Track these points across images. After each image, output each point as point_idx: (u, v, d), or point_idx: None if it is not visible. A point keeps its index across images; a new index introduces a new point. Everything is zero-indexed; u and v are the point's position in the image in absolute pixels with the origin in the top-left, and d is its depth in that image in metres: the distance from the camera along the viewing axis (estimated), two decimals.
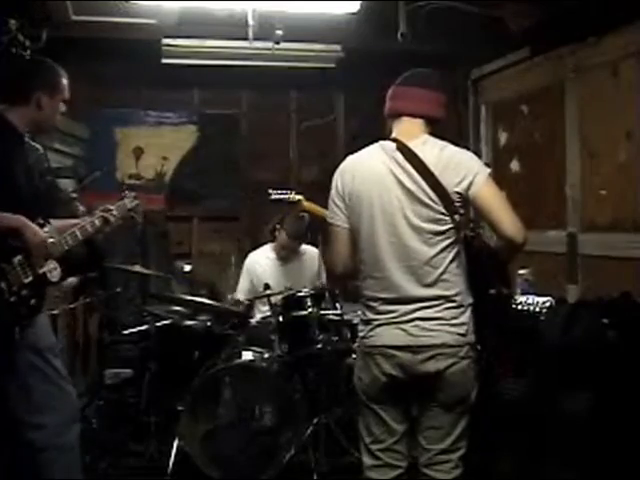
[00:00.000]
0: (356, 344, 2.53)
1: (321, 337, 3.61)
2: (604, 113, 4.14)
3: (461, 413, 2.38)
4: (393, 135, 2.45)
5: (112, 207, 2.93)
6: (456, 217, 2.33)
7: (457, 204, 2.32)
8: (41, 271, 2.59)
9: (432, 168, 2.31)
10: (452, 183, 2.31)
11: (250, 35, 4.17)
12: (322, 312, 3.68)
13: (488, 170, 2.36)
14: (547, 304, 3.40)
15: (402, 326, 2.33)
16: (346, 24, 4.63)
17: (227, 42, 4.89)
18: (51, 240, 2.62)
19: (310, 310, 3.67)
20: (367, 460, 2.46)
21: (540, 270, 4.16)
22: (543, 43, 4.55)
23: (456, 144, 2.41)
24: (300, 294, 3.76)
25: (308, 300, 3.71)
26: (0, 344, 2.52)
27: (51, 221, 2.72)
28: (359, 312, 2.52)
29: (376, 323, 2.38)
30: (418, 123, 2.44)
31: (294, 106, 5.81)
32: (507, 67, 5.09)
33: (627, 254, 3.88)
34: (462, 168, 2.32)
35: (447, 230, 2.33)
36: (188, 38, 4.91)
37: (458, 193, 2.31)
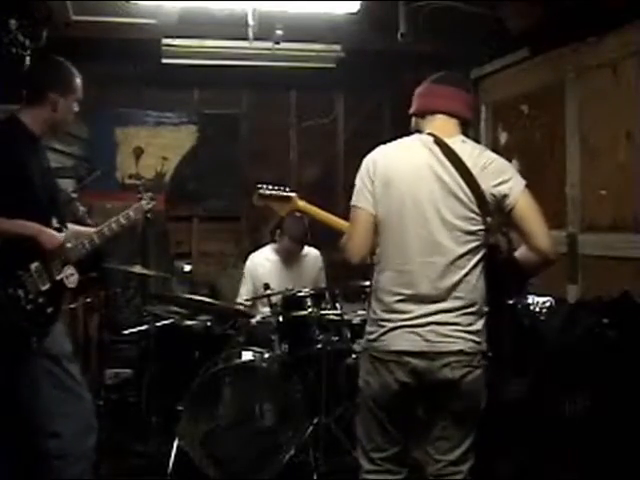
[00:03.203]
0: (361, 345, 2.43)
1: (321, 337, 3.61)
2: (604, 113, 4.13)
3: (472, 424, 2.34)
4: (428, 131, 2.40)
5: (130, 211, 2.90)
6: (488, 219, 2.29)
7: (490, 206, 2.28)
8: (58, 277, 2.58)
9: (470, 167, 2.27)
10: (489, 184, 2.27)
11: (250, 35, 4.16)
12: (322, 312, 3.68)
13: (524, 182, 2.34)
14: (547, 304, 3.40)
15: (417, 330, 2.25)
16: (346, 24, 4.63)
17: (227, 42, 4.89)
18: (68, 245, 2.62)
19: (310, 310, 3.67)
20: (366, 465, 2.39)
21: None
22: (543, 43, 4.55)
23: None
24: (300, 294, 3.76)
25: (308, 300, 3.71)
26: (17, 354, 2.50)
27: (68, 225, 2.72)
28: (364, 310, 2.45)
29: (390, 325, 2.28)
30: (453, 123, 2.41)
31: (294, 106, 5.81)
32: (507, 67, 5.09)
33: (627, 254, 3.88)
34: (500, 173, 2.29)
35: (477, 231, 2.28)
36: (188, 38, 4.91)
37: (493, 195, 2.27)
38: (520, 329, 3.37)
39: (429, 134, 2.37)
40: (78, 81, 2.73)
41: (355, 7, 4.28)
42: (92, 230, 2.83)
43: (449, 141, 2.33)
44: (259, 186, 2.98)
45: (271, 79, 5.37)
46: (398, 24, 4.32)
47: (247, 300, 4.32)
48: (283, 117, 5.80)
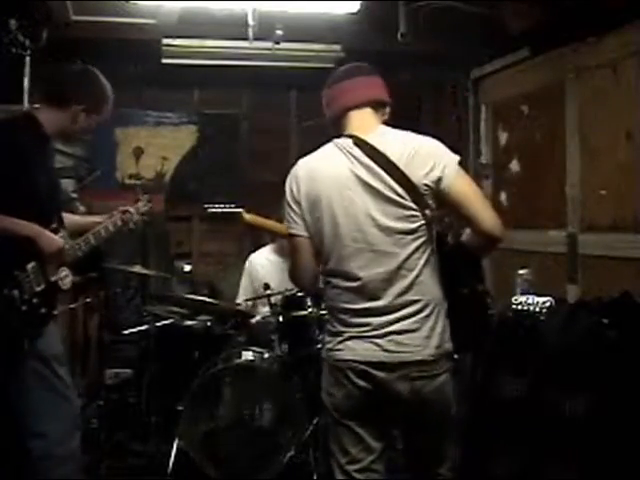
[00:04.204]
0: (322, 355, 2.36)
1: (321, 337, 3.60)
2: (604, 113, 4.13)
3: (444, 430, 2.28)
4: (346, 132, 2.29)
5: (128, 209, 2.93)
6: (427, 212, 2.16)
7: (427, 197, 2.15)
8: (53, 279, 2.57)
9: (396, 161, 2.14)
10: (420, 175, 2.13)
11: (250, 35, 4.16)
12: (322, 312, 3.67)
13: (457, 158, 2.20)
14: (547, 304, 3.39)
15: (376, 340, 2.16)
16: (346, 24, 4.63)
17: (227, 42, 4.88)
18: (65, 246, 2.62)
19: (310, 310, 3.67)
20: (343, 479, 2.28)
21: (540, 270, 4.16)
22: (543, 43, 4.55)
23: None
24: (300, 294, 3.76)
25: (308, 300, 3.71)
26: (8, 354, 2.50)
27: (65, 222, 2.72)
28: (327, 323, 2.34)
29: (347, 335, 2.21)
30: (368, 112, 2.30)
31: (294, 106, 5.81)
32: (507, 67, 5.09)
33: (627, 254, 3.88)
34: (429, 157, 2.15)
35: (419, 228, 2.16)
36: (188, 38, 4.90)
37: (427, 185, 2.14)
38: (520, 329, 3.37)
39: (347, 135, 2.27)
40: (108, 104, 2.73)
41: (355, 7, 4.28)
42: (96, 218, 2.85)
43: (369, 137, 2.21)
44: (207, 206, 2.93)
45: (271, 79, 5.37)
46: (398, 24, 4.32)
47: (247, 300, 4.32)
48: (283, 117, 5.80)
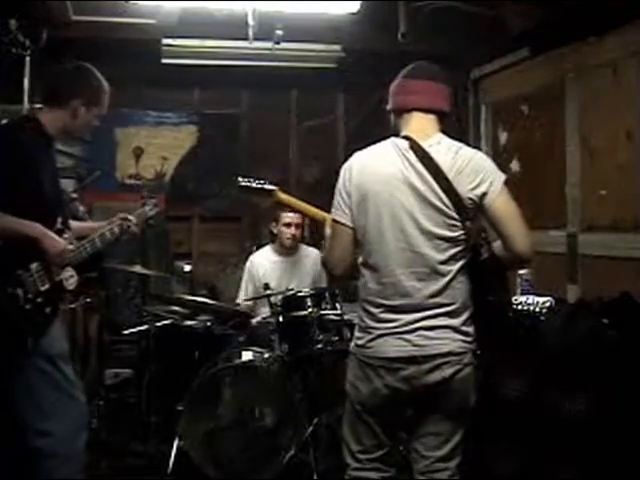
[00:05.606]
0: (350, 349, 2.42)
1: (321, 337, 3.60)
2: (604, 113, 4.13)
3: (461, 420, 2.34)
4: (405, 133, 2.35)
5: (131, 216, 2.95)
6: (468, 224, 2.26)
7: (469, 210, 2.25)
8: (58, 278, 2.59)
9: (446, 171, 2.23)
10: (466, 188, 2.23)
11: (250, 35, 4.17)
12: (322, 312, 3.68)
13: (504, 176, 2.30)
14: (547, 304, 3.39)
15: (405, 336, 2.24)
16: (346, 24, 4.63)
17: (227, 42, 4.89)
18: (70, 247, 2.63)
19: (310, 310, 3.67)
20: (352, 463, 2.39)
21: (540, 270, 4.15)
22: (543, 43, 4.55)
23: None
24: (300, 294, 3.76)
25: (308, 300, 3.71)
26: (12, 352, 2.51)
27: (70, 226, 2.73)
28: (357, 315, 2.41)
29: (377, 333, 2.28)
30: (431, 119, 2.36)
31: (294, 106, 5.81)
32: (507, 67, 5.09)
33: (627, 254, 3.88)
34: (478, 173, 2.25)
35: (458, 237, 2.26)
36: (188, 38, 4.91)
37: (471, 199, 2.24)
38: (520, 329, 3.37)
39: (405, 137, 2.33)
40: (105, 95, 2.76)
41: (355, 7, 4.28)
42: (94, 224, 2.88)
43: (425, 144, 2.28)
44: (240, 179, 2.94)
45: (271, 79, 5.37)
46: (398, 24, 4.32)
47: (247, 300, 4.32)
48: (283, 117, 5.80)
